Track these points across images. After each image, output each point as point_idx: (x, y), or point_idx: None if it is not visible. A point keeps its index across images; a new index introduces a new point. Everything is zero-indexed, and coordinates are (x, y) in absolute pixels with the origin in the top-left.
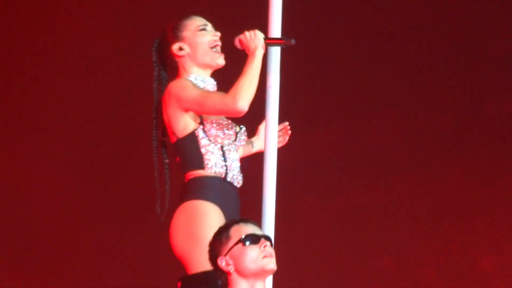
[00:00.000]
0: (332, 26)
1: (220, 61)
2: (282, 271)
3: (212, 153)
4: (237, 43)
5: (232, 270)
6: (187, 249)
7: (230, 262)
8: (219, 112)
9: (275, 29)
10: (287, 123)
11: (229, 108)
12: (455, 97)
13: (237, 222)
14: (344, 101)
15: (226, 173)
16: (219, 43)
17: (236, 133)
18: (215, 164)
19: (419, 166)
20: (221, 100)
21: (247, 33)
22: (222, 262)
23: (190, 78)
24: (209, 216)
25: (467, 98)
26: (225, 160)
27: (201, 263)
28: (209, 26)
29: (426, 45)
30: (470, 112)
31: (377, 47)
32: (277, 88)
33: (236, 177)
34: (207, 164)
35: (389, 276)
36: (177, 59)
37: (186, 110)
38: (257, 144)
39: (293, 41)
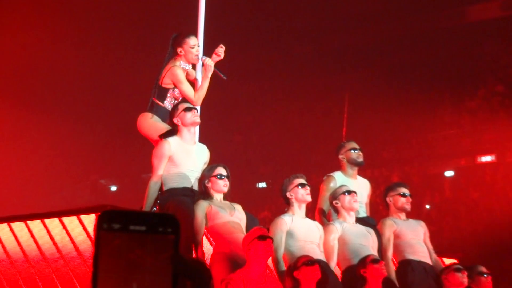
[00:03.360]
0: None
1: (197, 60)
2: None
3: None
4: (201, 61)
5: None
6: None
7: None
8: (187, 98)
9: (200, 40)
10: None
11: (193, 101)
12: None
13: None
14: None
15: None
16: (198, 55)
17: None
18: None
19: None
20: (191, 95)
21: (209, 60)
22: None
23: (182, 66)
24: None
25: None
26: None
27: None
28: (196, 46)
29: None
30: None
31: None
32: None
33: None
34: None
35: (265, 193)
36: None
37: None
38: None
39: (225, 77)
